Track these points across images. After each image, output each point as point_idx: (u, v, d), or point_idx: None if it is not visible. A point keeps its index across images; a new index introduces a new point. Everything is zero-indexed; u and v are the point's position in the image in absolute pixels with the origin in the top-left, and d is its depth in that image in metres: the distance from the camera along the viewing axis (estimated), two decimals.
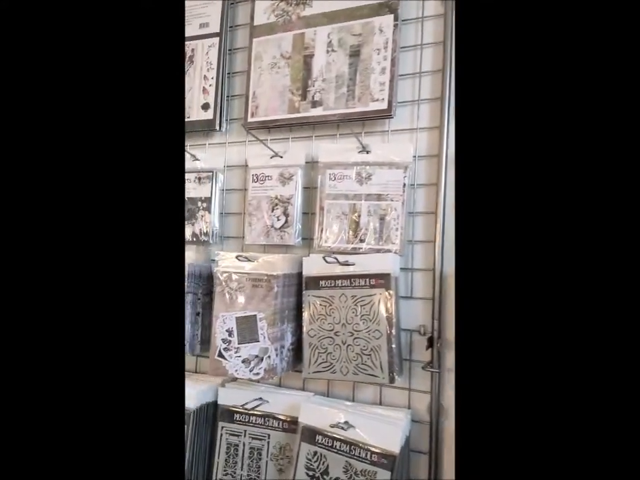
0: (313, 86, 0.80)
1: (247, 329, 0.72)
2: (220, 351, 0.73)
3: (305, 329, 0.73)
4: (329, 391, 0.79)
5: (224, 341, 0.73)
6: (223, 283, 0.75)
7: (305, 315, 0.74)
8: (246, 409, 0.76)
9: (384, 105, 0.74)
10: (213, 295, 0.77)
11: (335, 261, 0.70)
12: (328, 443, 0.67)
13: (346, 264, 0.71)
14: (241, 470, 0.75)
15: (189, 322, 0.83)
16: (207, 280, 0.87)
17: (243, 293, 0.73)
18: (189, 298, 0.82)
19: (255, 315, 0.72)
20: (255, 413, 0.77)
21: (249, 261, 0.74)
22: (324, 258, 0.70)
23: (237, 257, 0.74)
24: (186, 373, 0.91)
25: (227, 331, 0.73)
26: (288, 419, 0.75)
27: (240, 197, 0.89)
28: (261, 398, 0.77)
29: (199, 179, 0.89)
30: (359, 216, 0.75)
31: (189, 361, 0.92)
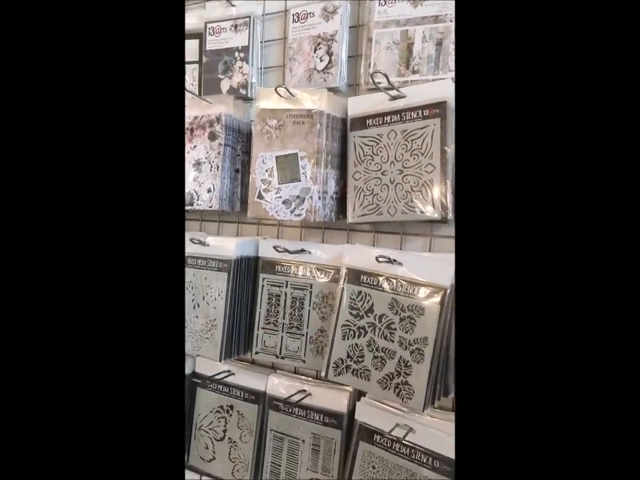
0: None
1: (287, 168, 0.68)
2: (259, 192, 0.69)
3: (349, 173, 0.68)
4: (375, 243, 0.74)
5: (263, 181, 0.69)
6: (262, 121, 0.69)
7: (350, 158, 0.68)
8: (288, 255, 0.73)
9: None
10: (252, 137, 0.72)
11: (388, 88, 0.62)
12: (373, 281, 0.63)
13: (398, 95, 0.64)
14: (283, 319, 0.74)
15: (227, 177, 0.79)
16: (247, 137, 0.82)
17: (284, 131, 0.68)
18: (227, 151, 0.78)
19: (296, 153, 0.67)
20: (297, 263, 0.74)
21: (291, 96, 0.68)
22: (372, 80, 0.62)
23: (276, 90, 0.68)
24: (227, 237, 0.89)
25: (266, 171, 0.69)
26: (331, 270, 0.72)
27: (280, 50, 0.82)
28: (303, 249, 0.74)
29: (235, 26, 0.82)
30: (412, 43, 0.66)
31: (231, 228, 0.90)
